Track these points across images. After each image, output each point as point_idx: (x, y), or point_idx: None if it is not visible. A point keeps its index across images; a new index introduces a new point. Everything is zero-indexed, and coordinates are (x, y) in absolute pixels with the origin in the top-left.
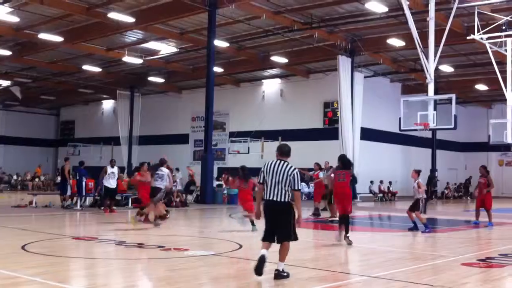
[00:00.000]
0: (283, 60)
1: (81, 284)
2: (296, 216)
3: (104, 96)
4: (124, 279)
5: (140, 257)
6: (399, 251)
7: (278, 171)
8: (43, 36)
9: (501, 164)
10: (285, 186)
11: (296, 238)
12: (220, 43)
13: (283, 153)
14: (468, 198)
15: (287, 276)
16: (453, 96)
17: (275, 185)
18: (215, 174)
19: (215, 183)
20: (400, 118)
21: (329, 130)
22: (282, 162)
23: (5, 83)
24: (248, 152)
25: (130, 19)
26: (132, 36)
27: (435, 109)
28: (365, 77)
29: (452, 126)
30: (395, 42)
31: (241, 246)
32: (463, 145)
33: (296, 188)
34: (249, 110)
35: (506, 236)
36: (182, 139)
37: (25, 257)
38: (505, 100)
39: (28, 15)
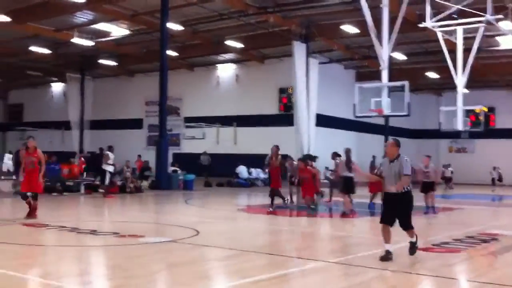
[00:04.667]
0: (238, 45)
1: (33, 272)
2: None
3: (54, 79)
4: (76, 267)
5: (93, 244)
6: (354, 236)
7: None
8: None
9: (451, 150)
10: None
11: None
12: (174, 26)
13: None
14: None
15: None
16: (406, 83)
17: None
18: (170, 160)
19: (170, 168)
20: (354, 105)
21: (285, 116)
22: None
23: None
24: (204, 138)
25: None
26: (82, 16)
27: (388, 96)
28: (319, 63)
29: (406, 113)
30: (349, 29)
31: (198, 232)
32: (415, 132)
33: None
34: (204, 95)
35: (456, 221)
36: (135, 124)
37: None
38: (455, 88)
39: None
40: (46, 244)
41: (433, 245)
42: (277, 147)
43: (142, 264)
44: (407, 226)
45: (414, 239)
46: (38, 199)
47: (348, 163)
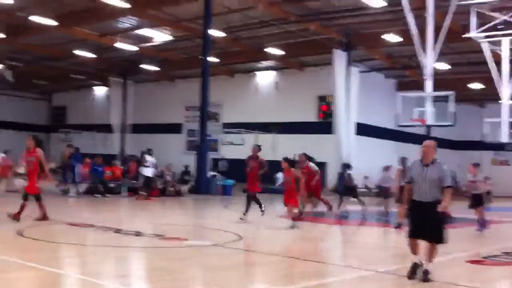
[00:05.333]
0: (278, 52)
1: (76, 271)
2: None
3: (96, 82)
4: (119, 268)
5: (137, 245)
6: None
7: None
8: (35, 18)
9: (494, 163)
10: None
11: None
12: (216, 33)
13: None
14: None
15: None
16: (451, 93)
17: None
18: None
19: (210, 173)
20: (396, 114)
21: (324, 124)
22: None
23: None
24: (243, 144)
25: (125, 5)
26: (126, 22)
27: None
28: (360, 72)
29: (450, 123)
30: (391, 37)
31: (240, 237)
32: (456, 143)
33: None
34: (243, 101)
35: (506, 234)
36: (175, 128)
37: (22, 242)
38: (499, 99)
39: None
40: (90, 244)
41: (483, 257)
42: (258, 147)
43: (186, 267)
44: (438, 239)
45: (430, 266)
46: (42, 199)
47: (405, 172)
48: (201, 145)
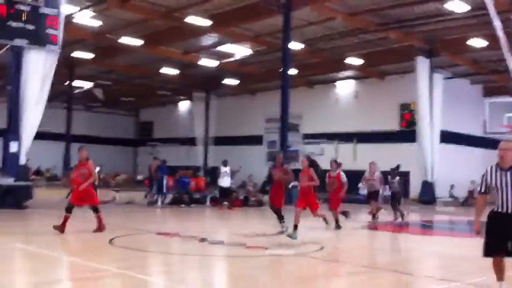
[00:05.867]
0: (358, 62)
1: (163, 278)
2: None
3: (181, 97)
4: (204, 276)
5: (220, 254)
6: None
7: None
8: (123, 40)
9: None
10: None
11: None
12: (294, 45)
13: None
14: None
15: None
16: None
17: None
18: None
19: (292, 184)
20: (485, 121)
21: (406, 133)
22: None
23: (88, 85)
24: (323, 154)
25: (207, 23)
26: (208, 39)
27: None
28: (444, 78)
29: None
30: (476, 42)
31: (322, 247)
32: None
33: None
34: (323, 111)
35: None
36: (256, 140)
37: (113, 251)
38: None
39: (109, 19)
40: (177, 252)
41: None
42: (280, 155)
43: (268, 276)
44: None
45: None
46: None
47: None
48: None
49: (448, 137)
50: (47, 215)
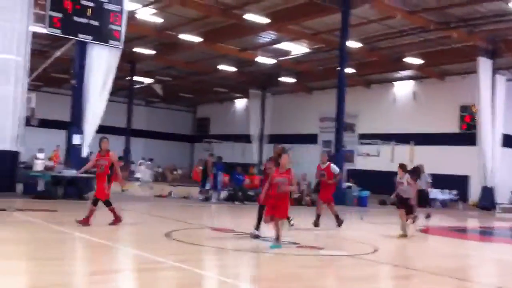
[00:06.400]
0: (417, 61)
1: (216, 272)
2: None
3: (237, 95)
4: (255, 271)
5: (273, 252)
6: None
7: None
8: (183, 36)
9: None
10: None
11: None
12: (352, 44)
13: None
14: None
15: None
16: None
17: None
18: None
19: (345, 184)
20: None
21: (466, 135)
22: None
23: (148, 81)
24: (378, 155)
25: (265, 20)
26: (266, 37)
27: None
28: (507, 80)
29: None
30: None
31: (376, 250)
32: None
33: None
34: (380, 112)
35: None
36: (310, 139)
37: (168, 244)
38: None
39: (170, 16)
40: (230, 248)
41: None
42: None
43: (318, 275)
44: None
45: None
46: (113, 205)
47: None
48: (336, 156)
49: (510, 141)
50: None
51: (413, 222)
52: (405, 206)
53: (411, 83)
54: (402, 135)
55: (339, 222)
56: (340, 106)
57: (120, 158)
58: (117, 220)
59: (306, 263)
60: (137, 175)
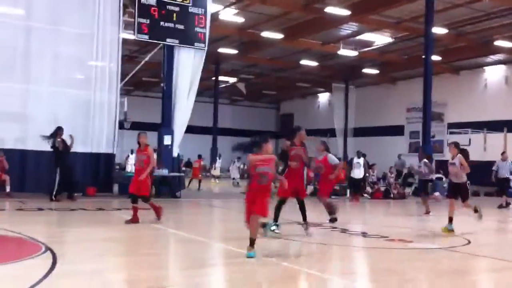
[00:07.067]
0: (508, 44)
1: (306, 266)
2: None
3: (320, 89)
4: (345, 265)
5: (362, 245)
6: None
7: None
8: (265, 34)
9: None
10: None
11: None
12: (438, 30)
13: None
14: None
15: None
16: None
17: None
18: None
19: (435, 175)
20: None
21: None
22: None
23: (232, 80)
24: (469, 144)
25: (346, 12)
26: (347, 29)
27: None
28: None
29: None
30: None
31: (469, 242)
32: None
33: None
34: (469, 99)
35: None
36: (397, 130)
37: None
38: None
39: (251, 15)
40: (318, 242)
41: None
42: (288, 145)
43: (410, 269)
44: None
45: None
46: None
47: None
48: (424, 147)
49: None
50: (196, 203)
51: (507, 206)
52: (459, 194)
53: (502, 67)
54: (494, 123)
55: (332, 214)
56: (427, 95)
57: (199, 156)
58: (159, 214)
59: (397, 257)
60: (231, 174)
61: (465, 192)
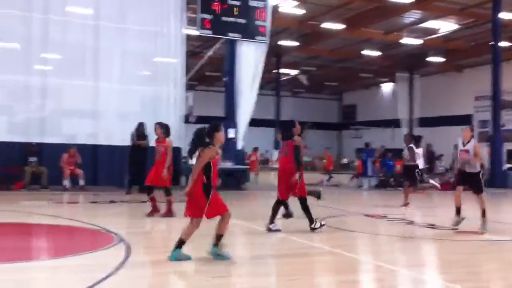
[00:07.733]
0: None
1: (372, 257)
2: None
3: (383, 79)
4: (413, 257)
5: (430, 237)
6: None
7: None
8: (325, 25)
9: None
10: None
11: None
12: (506, 15)
13: None
14: None
15: None
16: None
17: None
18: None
19: (506, 166)
20: None
21: None
22: None
23: (293, 72)
24: None
25: (409, 0)
26: (411, 17)
27: None
28: None
29: None
30: None
31: None
32: None
33: None
34: None
35: None
36: (464, 120)
37: (325, 231)
38: None
39: (311, 6)
40: (384, 234)
41: None
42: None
43: (482, 261)
44: None
45: None
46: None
47: None
48: (494, 136)
49: None
50: (260, 195)
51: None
52: (472, 186)
53: None
54: None
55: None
56: (496, 83)
57: (254, 149)
58: (169, 211)
59: (468, 249)
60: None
61: (479, 184)
